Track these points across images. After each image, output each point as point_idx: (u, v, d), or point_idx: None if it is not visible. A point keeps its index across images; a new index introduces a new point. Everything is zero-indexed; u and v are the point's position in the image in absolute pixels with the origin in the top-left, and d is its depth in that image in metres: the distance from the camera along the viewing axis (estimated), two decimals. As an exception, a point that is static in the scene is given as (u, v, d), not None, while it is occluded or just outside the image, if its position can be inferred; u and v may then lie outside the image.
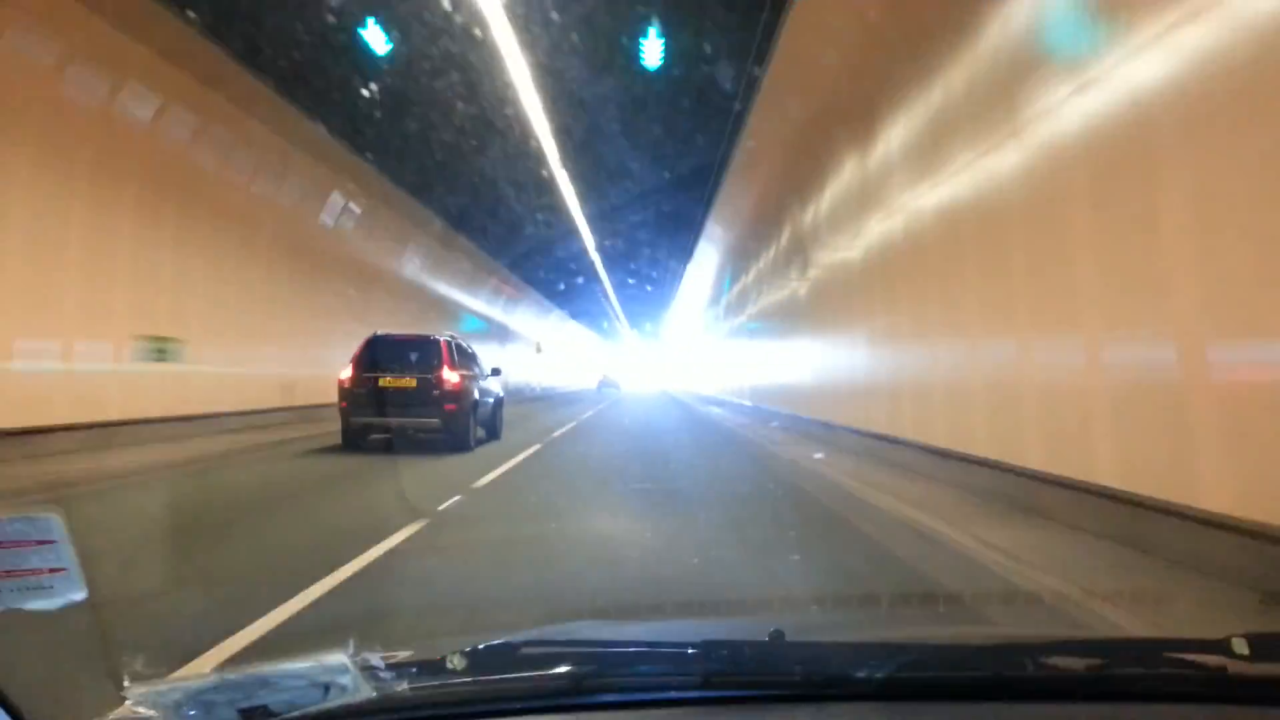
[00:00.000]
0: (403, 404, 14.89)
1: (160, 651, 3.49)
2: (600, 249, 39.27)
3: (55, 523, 1.45)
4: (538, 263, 43.51)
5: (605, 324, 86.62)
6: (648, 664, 1.81)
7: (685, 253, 37.78)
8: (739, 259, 30.11)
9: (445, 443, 15.01)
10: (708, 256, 36.12)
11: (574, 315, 74.01)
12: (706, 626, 3.12)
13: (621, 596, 5.49)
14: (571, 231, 34.41)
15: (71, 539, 1.45)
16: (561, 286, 53.50)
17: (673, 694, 1.67)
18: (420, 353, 15.51)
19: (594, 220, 32.07)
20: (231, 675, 1.54)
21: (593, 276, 49.59)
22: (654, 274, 50.98)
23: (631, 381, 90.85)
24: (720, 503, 10.06)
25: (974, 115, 9.63)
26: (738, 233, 28.04)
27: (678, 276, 47.55)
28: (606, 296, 61.29)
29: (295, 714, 1.47)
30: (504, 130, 20.50)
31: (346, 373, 15.20)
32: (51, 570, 1.44)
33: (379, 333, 16.21)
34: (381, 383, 14.99)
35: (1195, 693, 1.65)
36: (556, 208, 29.34)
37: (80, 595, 1.46)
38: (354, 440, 15.08)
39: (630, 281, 54.39)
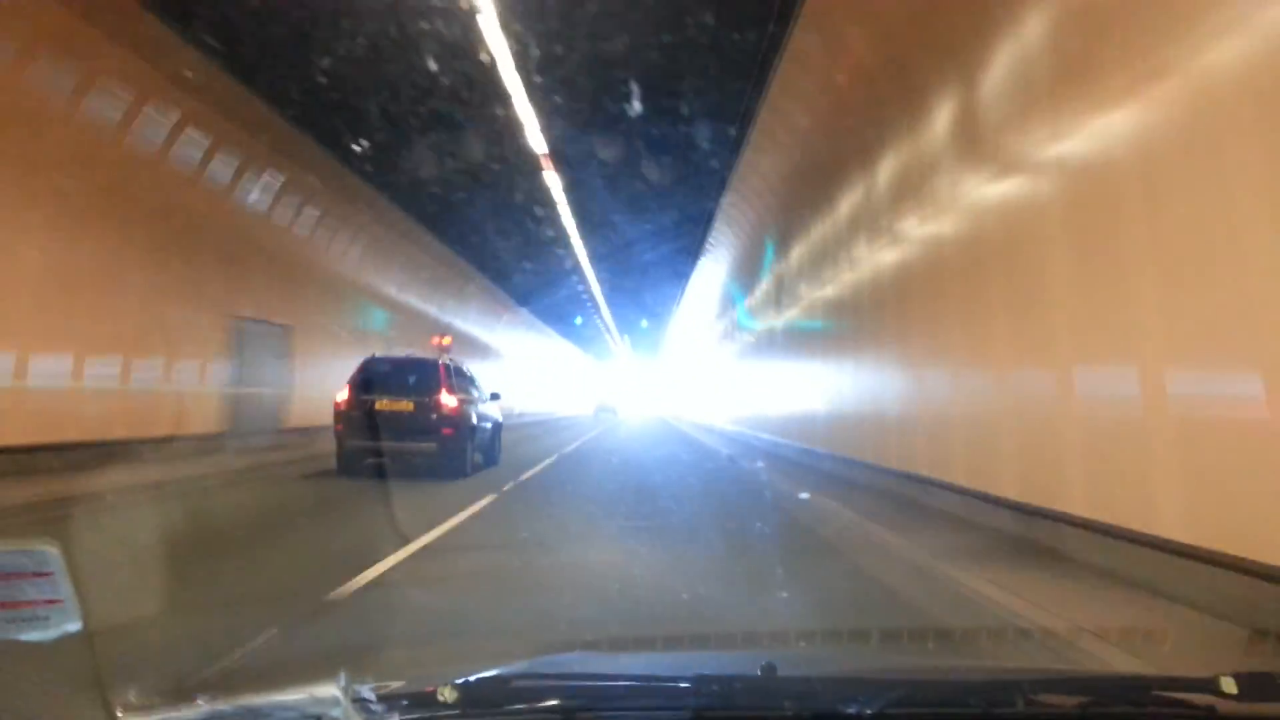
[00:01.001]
0: (399, 428, 14.55)
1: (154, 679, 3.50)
2: (594, 258, 35.60)
3: (52, 555, 1.45)
4: (524, 275, 39.35)
5: (599, 343, 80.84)
6: (640, 698, 1.81)
7: (691, 255, 34.23)
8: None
9: (442, 468, 14.69)
10: (718, 260, 31.76)
11: (565, 335, 68.41)
12: (697, 660, 3.12)
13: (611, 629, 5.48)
14: (564, 249, 32.24)
15: (68, 571, 1.45)
16: (549, 301, 48.60)
17: None
18: (417, 375, 15.32)
19: (587, 227, 29.08)
20: (223, 706, 1.55)
21: (587, 293, 46.43)
22: (653, 286, 45.93)
23: (627, 407, 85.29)
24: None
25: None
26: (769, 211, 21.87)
27: (679, 287, 43.18)
28: (599, 312, 56.49)
29: None
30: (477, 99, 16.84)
31: (342, 395, 14.96)
32: (48, 601, 1.44)
33: (375, 355, 15.95)
34: (378, 406, 14.68)
35: None
36: (550, 216, 26.93)
37: (75, 626, 1.47)
38: (349, 466, 14.70)
39: (626, 297, 49.87)
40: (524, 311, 49.16)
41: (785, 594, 6.54)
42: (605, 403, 78.48)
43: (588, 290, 45.62)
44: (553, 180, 22.24)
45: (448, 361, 16.10)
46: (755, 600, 6.30)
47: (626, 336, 74.67)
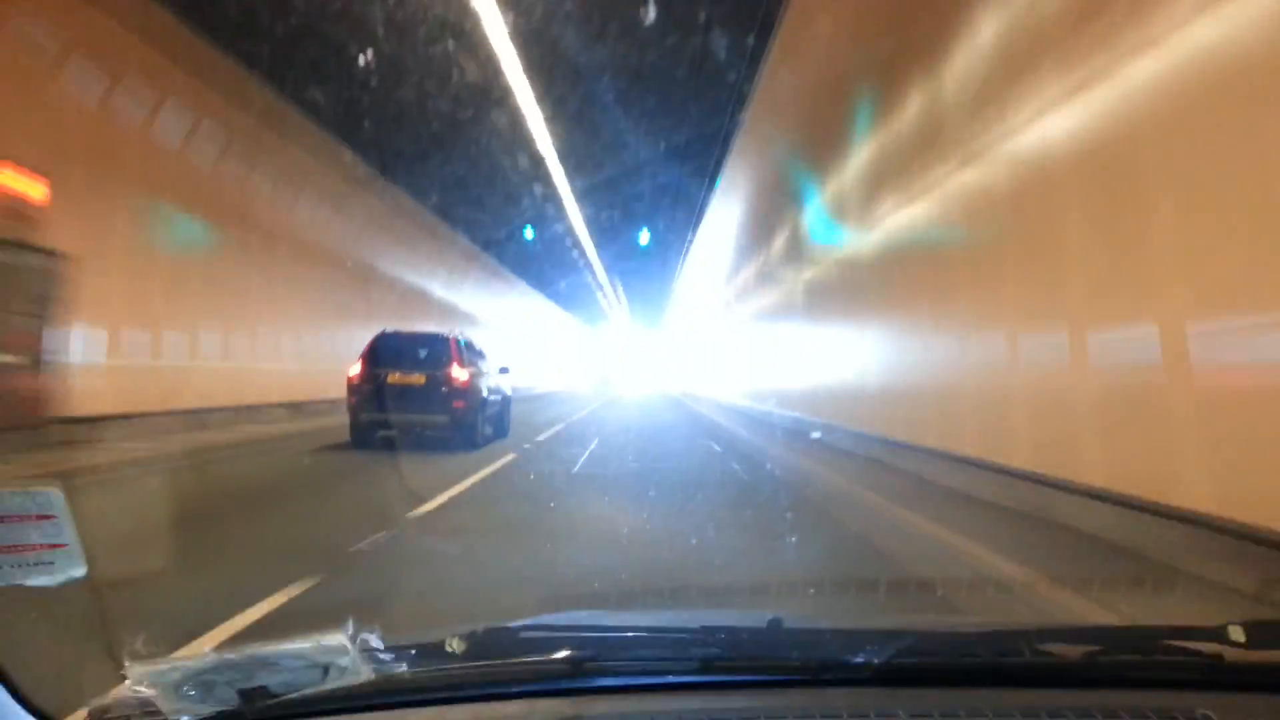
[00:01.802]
0: (411, 401, 14.86)
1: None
2: (587, 208, 32.42)
3: (55, 497, 1.44)
4: (508, 232, 36.09)
5: (594, 309, 73.87)
6: (646, 649, 1.81)
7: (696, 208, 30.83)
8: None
9: (454, 440, 14.99)
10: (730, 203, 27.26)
11: (556, 298, 62.40)
12: (705, 613, 3.13)
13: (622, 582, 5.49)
14: (550, 196, 28.88)
15: (72, 514, 1.45)
16: (540, 263, 45.01)
17: (671, 679, 1.68)
18: (429, 349, 15.57)
19: (572, 163, 25.34)
20: (231, 655, 1.55)
21: (578, 248, 42.13)
22: (655, 243, 42.04)
23: (626, 382, 77.25)
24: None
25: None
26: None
27: (684, 240, 39.27)
28: (593, 272, 51.70)
29: (294, 695, 1.48)
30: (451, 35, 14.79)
31: (355, 369, 15.20)
32: (51, 546, 1.44)
33: (387, 329, 16.19)
34: (390, 379, 14.95)
35: (1192, 679, 1.66)
36: (531, 158, 23.77)
37: (80, 571, 1.46)
38: (362, 437, 14.95)
39: (625, 254, 45.36)
40: (503, 270, 44.80)
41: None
42: (606, 376, 74.32)
43: (577, 244, 41.34)
44: (523, 93, 18.17)
45: (458, 336, 16.34)
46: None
47: (623, 297, 67.96)
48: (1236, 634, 1.64)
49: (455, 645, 1.65)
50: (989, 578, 5.74)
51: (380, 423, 14.92)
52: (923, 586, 5.35)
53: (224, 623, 4.28)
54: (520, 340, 50.73)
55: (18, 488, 1.43)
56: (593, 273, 51.53)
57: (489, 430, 16.47)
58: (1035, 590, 5.29)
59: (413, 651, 1.63)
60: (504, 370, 18.59)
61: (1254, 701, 1.61)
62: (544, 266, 48.27)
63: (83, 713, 1.51)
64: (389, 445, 14.35)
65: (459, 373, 15.20)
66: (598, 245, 41.83)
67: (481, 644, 1.69)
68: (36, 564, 1.44)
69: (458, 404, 15.06)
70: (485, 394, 16.25)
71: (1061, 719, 1.49)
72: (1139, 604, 4.74)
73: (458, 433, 15.13)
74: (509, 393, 18.87)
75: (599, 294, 64.14)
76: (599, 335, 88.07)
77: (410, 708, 1.58)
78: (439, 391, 14.96)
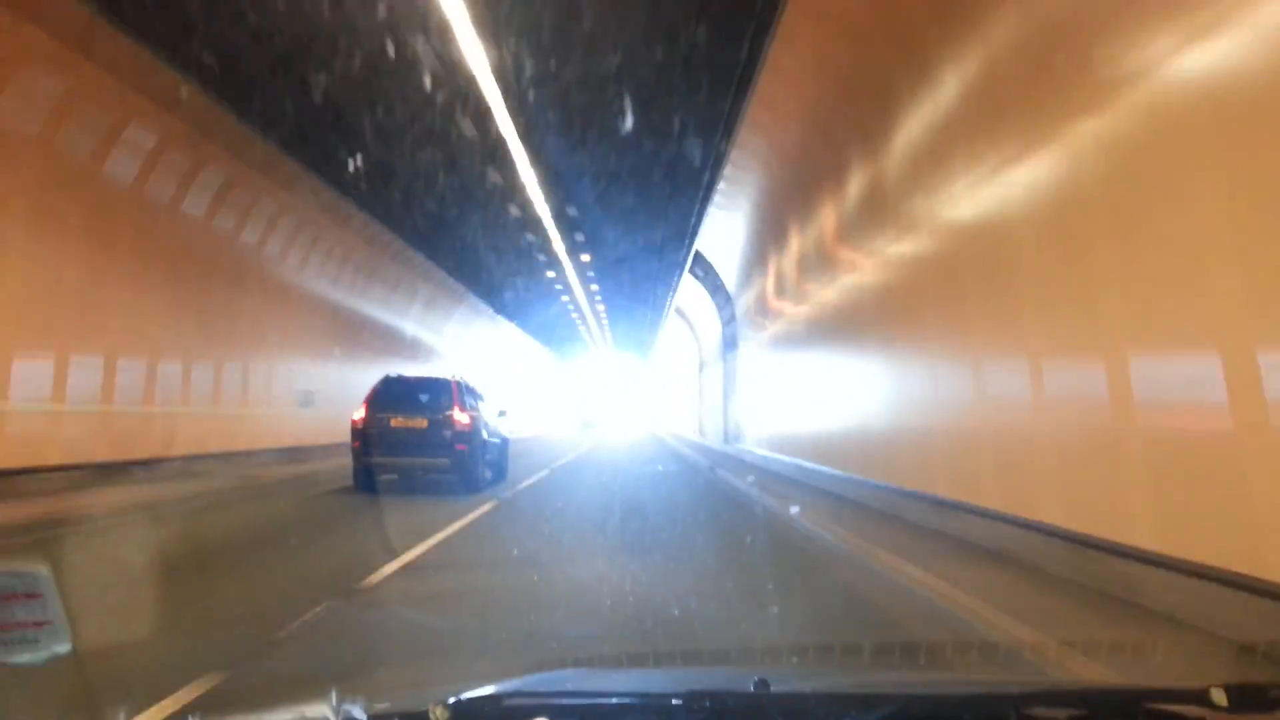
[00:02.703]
0: (414, 444, 15.26)
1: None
2: (567, 233, 28.55)
3: (42, 576, 1.44)
4: (471, 249, 31.30)
5: (573, 340, 65.99)
6: (632, 715, 1.80)
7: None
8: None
9: (455, 483, 15.36)
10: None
11: (529, 329, 54.39)
12: (690, 676, 3.11)
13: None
14: (527, 214, 25.35)
15: (58, 592, 1.45)
16: (500, 278, 38.05)
17: None
18: (430, 394, 15.98)
19: (551, 186, 22.76)
20: None
21: (559, 275, 37.20)
22: (643, 271, 36.36)
23: (609, 423, 74.02)
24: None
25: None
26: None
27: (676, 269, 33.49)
28: (574, 299, 45.39)
29: None
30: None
31: (359, 413, 15.52)
32: (37, 624, 1.43)
33: (391, 374, 16.61)
34: (393, 423, 15.30)
35: None
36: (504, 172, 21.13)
37: (65, 648, 1.46)
38: (365, 480, 15.20)
39: (609, 284, 40.29)
40: (469, 295, 39.10)
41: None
42: (589, 418, 71.56)
43: (559, 273, 36.72)
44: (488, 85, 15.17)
45: (459, 380, 16.70)
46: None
47: (606, 326, 58.17)
48: (1219, 697, 1.65)
49: (439, 713, 1.64)
50: (975, 641, 5.72)
51: (383, 466, 15.31)
52: (907, 650, 5.33)
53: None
54: (486, 373, 41.59)
55: (3, 567, 1.43)
56: (572, 296, 44.58)
57: (488, 473, 16.71)
58: (1043, 653, 5.24)
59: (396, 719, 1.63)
60: (502, 414, 18.96)
61: None
62: (522, 296, 42.92)
63: None
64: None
65: (461, 416, 15.53)
66: (577, 264, 35.35)
67: (465, 711, 1.68)
68: (21, 641, 1.43)
69: (460, 447, 15.35)
70: (485, 437, 16.61)
71: None
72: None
73: (459, 475, 15.44)
74: (507, 435, 19.29)
75: (579, 323, 57.08)
76: (578, 369, 79.11)
77: None
78: (442, 435, 15.29)
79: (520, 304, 45.49)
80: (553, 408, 69.36)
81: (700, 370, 44.43)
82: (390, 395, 15.81)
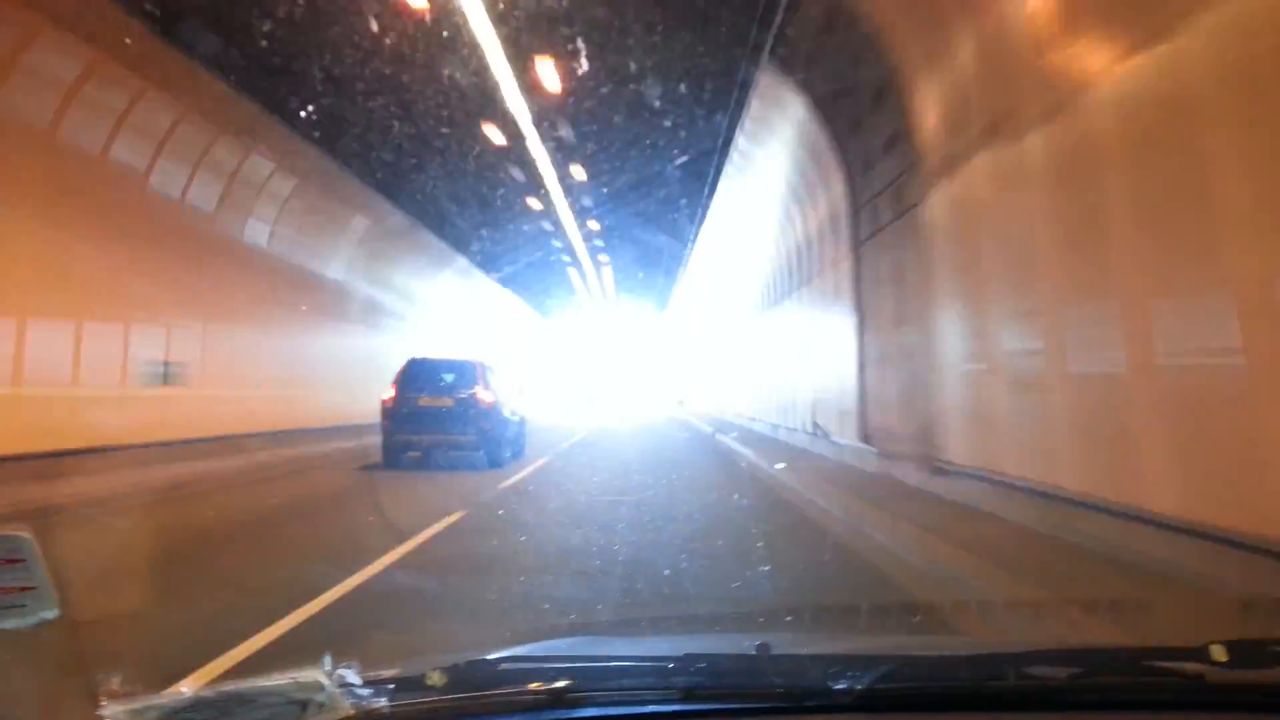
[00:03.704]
0: (440, 422, 16.20)
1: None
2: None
3: (25, 541, 1.43)
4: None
5: (561, 288, 51.56)
6: (628, 678, 1.80)
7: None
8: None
9: (481, 459, 16.23)
10: None
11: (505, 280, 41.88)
12: (690, 640, 3.11)
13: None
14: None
15: (42, 556, 1.43)
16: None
17: (653, 708, 1.67)
18: (456, 374, 16.99)
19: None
20: (208, 693, 1.53)
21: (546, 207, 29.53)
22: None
23: (615, 400, 56.82)
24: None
25: None
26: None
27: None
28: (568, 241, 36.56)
29: None
30: None
31: (389, 393, 16.49)
32: (22, 589, 1.42)
33: (417, 356, 17.61)
34: (421, 402, 16.29)
35: (1175, 700, 1.66)
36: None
37: (52, 613, 1.45)
38: (394, 455, 16.16)
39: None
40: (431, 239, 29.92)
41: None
42: (590, 392, 56.90)
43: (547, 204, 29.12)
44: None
45: (482, 361, 17.79)
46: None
47: (609, 269, 45.72)
48: (1219, 653, 1.65)
49: (435, 678, 1.64)
50: (972, 600, 5.73)
51: (411, 443, 16.31)
52: (904, 609, 5.34)
53: None
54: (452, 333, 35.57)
55: None
56: (559, 228, 34.21)
57: (507, 451, 17.49)
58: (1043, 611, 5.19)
59: (391, 685, 1.62)
60: (520, 392, 20.03)
61: None
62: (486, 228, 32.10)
63: None
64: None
65: (485, 395, 16.58)
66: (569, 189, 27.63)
67: (462, 676, 1.68)
68: (8, 607, 1.42)
69: (484, 424, 16.35)
70: (507, 414, 17.59)
71: None
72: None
73: (483, 451, 16.35)
74: (525, 416, 20.01)
75: (572, 271, 45.28)
76: (572, 330, 62.28)
77: None
78: (467, 413, 16.28)
79: (496, 250, 35.68)
80: (542, 379, 53.87)
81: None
82: (417, 376, 16.80)
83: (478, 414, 16.33)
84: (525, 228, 33.59)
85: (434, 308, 34.59)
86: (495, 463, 16.16)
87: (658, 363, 60.43)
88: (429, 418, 16.21)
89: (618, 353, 64.04)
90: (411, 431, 16.22)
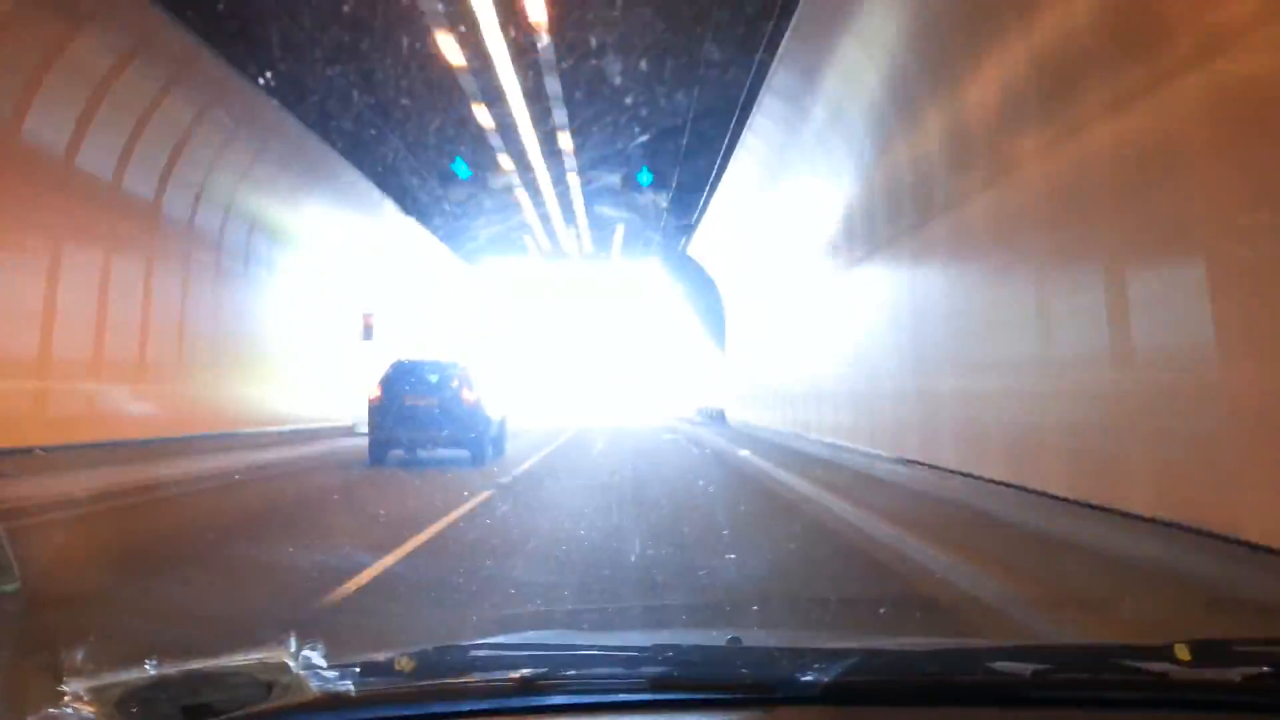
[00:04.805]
0: (425, 422, 16.51)
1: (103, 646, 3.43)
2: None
3: None
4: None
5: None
6: (598, 666, 1.80)
7: None
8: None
9: (465, 458, 16.50)
10: None
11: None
12: (660, 632, 3.12)
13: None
14: None
15: (3, 532, 1.42)
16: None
17: (622, 697, 1.67)
18: (440, 375, 17.44)
19: None
20: (173, 671, 1.52)
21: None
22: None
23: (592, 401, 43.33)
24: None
25: None
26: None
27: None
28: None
29: (240, 712, 1.45)
30: None
31: (374, 393, 16.88)
32: None
33: (402, 358, 18.12)
34: (406, 402, 16.63)
35: (1139, 698, 1.67)
36: None
37: (11, 587, 1.44)
38: (379, 454, 16.60)
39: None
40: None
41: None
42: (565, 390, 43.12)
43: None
44: None
45: (465, 364, 18.28)
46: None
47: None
48: (1182, 652, 1.66)
49: (403, 663, 1.64)
50: (939, 597, 5.77)
51: (396, 442, 16.73)
52: (872, 603, 5.37)
53: None
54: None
55: None
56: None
57: (490, 450, 17.81)
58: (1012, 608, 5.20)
59: (358, 669, 1.61)
60: (501, 393, 20.06)
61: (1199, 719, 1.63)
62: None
63: None
64: None
65: (469, 396, 16.90)
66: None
67: (430, 663, 1.67)
68: None
69: (468, 423, 16.68)
70: (489, 413, 17.78)
71: None
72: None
73: (467, 450, 16.65)
74: (505, 416, 20.18)
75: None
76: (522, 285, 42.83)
77: None
78: (451, 413, 16.59)
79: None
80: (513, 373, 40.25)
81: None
82: (402, 376, 17.22)
83: (461, 413, 16.68)
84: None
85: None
86: (477, 462, 16.40)
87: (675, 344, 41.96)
88: (414, 417, 16.54)
89: (608, 334, 46.61)
90: (398, 430, 16.56)
